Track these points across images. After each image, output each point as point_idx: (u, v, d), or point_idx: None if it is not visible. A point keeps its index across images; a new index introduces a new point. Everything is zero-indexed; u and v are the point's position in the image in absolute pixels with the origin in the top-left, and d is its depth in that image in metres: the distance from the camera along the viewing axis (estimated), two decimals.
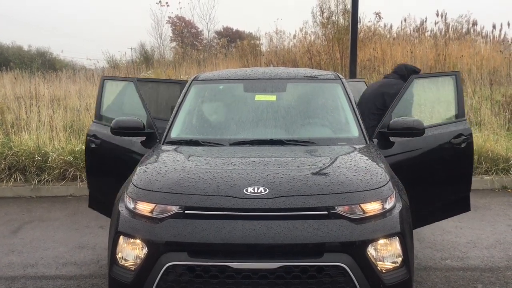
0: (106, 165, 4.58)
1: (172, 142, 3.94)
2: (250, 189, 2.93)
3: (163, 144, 3.94)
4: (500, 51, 13.09)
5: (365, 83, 6.32)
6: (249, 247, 2.79)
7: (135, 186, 3.16)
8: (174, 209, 2.91)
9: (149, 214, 2.97)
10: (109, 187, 4.38)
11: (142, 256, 2.91)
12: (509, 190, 7.13)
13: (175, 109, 4.25)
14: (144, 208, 3.00)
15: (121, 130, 4.12)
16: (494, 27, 15.17)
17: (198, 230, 2.82)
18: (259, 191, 2.92)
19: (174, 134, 4.04)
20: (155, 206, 2.97)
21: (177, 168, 3.26)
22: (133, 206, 3.06)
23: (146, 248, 2.89)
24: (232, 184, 2.98)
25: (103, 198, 4.68)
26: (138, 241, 2.95)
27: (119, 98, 5.05)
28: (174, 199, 2.95)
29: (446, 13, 15.15)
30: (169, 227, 2.87)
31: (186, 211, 2.89)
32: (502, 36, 15.10)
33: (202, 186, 2.98)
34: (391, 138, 4.12)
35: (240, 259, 2.80)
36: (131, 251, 3.00)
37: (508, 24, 14.53)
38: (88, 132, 4.73)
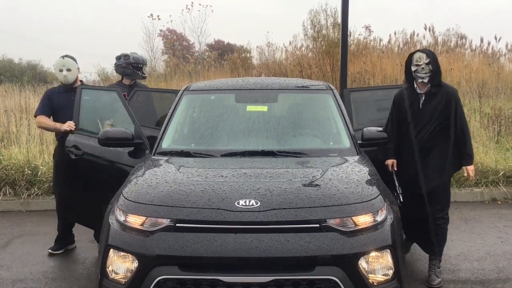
0: (90, 176, 4.57)
1: (163, 153, 3.92)
2: (241, 202, 2.92)
3: (154, 154, 3.92)
4: (489, 64, 13.24)
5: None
6: (241, 260, 2.78)
7: (126, 198, 3.13)
8: (165, 222, 2.90)
9: (140, 227, 2.94)
10: (91, 197, 4.37)
11: (133, 269, 2.89)
12: (499, 202, 7.17)
13: (166, 119, 4.24)
14: (135, 221, 2.98)
15: (109, 141, 4.10)
16: (482, 40, 15.36)
17: (189, 244, 2.80)
18: (250, 204, 2.91)
19: (165, 144, 4.02)
20: (146, 219, 2.95)
21: (168, 180, 3.24)
22: (124, 219, 3.03)
23: (137, 262, 2.87)
24: (223, 197, 2.97)
25: (84, 209, 4.70)
26: (128, 254, 2.92)
27: (99, 108, 5.05)
28: (165, 212, 2.92)
29: (433, 27, 15.31)
30: (160, 240, 2.84)
31: (177, 224, 2.87)
32: (490, 49, 15.28)
33: (194, 199, 2.97)
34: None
35: (232, 272, 2.78)
36: (122, 264, 2.97)
37: (496, 38, 14.72)
38: (67, 143, 4.70)
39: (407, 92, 4.40)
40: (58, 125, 4.95)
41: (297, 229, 2.84)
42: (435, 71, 4.20)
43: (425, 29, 15.28)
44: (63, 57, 5.12)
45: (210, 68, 16.52)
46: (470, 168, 4.34)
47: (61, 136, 4.93)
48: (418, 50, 4.30)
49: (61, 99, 5.10)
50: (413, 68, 4.25)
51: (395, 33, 16.14)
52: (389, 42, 16.26)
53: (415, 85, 4.33)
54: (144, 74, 5.87)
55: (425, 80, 4.20)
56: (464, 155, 4.31)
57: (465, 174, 4.38)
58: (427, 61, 4.16)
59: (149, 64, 19.09)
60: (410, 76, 4.34)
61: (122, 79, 5.94)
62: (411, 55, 4.31)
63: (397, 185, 4.39)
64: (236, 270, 2.79)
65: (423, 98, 4.28)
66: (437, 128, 4.24)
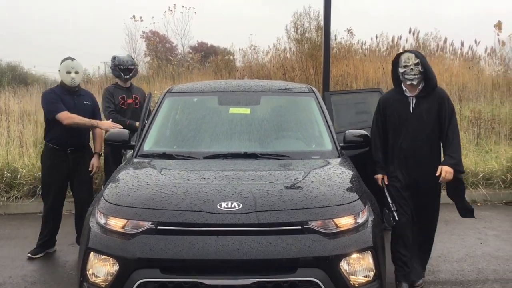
0: None
1: (145, 155, 3.89)
2: (223, 204, 2.91)
3: (135, 157, 3.89)
4: (469, 68, 13.42)
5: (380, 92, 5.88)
6: (223, 263, 2.77)
7: (107, 201, 3.11)
8: (147, 224, 2.88)
9: (121, 230, 2.93)
10: None
11: (114, 272, 2.86)
12: (479, 204, 7.27)
13: (148, 121, 4.22)
14: (116, 223, 2.96)
15: (110, 142, 4.16)
16: (462, 44, 15.58)
17: (171, 246, 2.78)
18: (232, 206, 2.90)
19: (147, 147, 4.00)
20: (127, 222, 2.93)
21: (150, 182, 3.23)
22: (104, 222, 3.01)
23: (118, 265, 2.85)
24: (205, 199, 2.96)
25: None
26: (109, 257, 2.90)
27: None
28: (147, 214, 2.91)
29: (419, 31, 15.48)
30: (141, 243, 2.83)
31: (158, 227, 2.86)
32: (471, 53, 15.49)
33: (175, 201, 2.96)
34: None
35: (213, 275, 2.78)
36: (102, 268, 2.94)
37: (476, 41, 14.94)
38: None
39: (394, 95, 4.16)
40: (94, 122, 4.97)
41: (279, 231, 2.84)
42: (425, 72, 3.94)
43: (410, 32, 15.44)
44: (72, 59, 4.97)
45: (193, 70, 16.47)
46: (447, 169, 3.84)
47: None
48: (406, 51, 4.05)
49: (66, 102, 4.92)
50: (401, 70, 3.98)
51: (376, 37, 16.27)
52: (371, 45, 16.39)
53: (404, 88, 4.07)
54: (127, 76, 5.82)
55: (414, 82, 3.94)
56: (452, 157, 3.88)
57: (437, 173, 3.88)
58: (416, 61, 3.91)
59: None
60: (397, 78, 4.09)
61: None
62: (398, 56, 4.06)
63: (390, 201, 4.01)
64: (218, 273, 2.79)
65: (414, 101, 4.02)
66: (431, 134, 3.99)
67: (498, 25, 14.24)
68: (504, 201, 7.39)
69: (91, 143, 5.34)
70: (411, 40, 15.36)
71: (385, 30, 28.73)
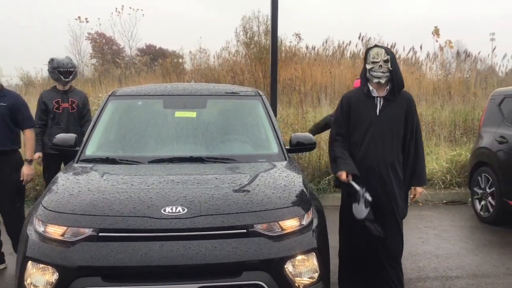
0: None
1: (87, 160, 3.78)
2: (168, 209, 2.87)
3: (77, 162, 3.78)
4: (411, 72, 13.89)
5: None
6: (167, 268, 2.73)
7: (45, 208, 3.00)
8: (87, 231, 2.80)
9: (60, 238, 2.83)
10: None
11: (53, 281, 2.77)
12: (420, 204, 7.53)
13: (91, 125, 4.11)
14: (55, 231, 2.86)
15: (56, 146, 4.02)
16: (404, 49, 16.16)
17: (113, 253, 2.72)
18: (177, 210, 2.87)
19: (89, 151, 3.89)
20: (66, 229, 2.84)
21: (91, 188, 3.14)
22: (43, 229, 2.91)
23: (57, 274, 2.76)
24: (149, 204, 2.91)
25: None
26: (48, 266, 2.79)
27: None
28: (87, 221, 2.83)
29: (369, 38, 15.91)
30: (82, 251, 2.74)
31: (100, 234, 2.78)
32: (414, 58, 16.05)
33: (118, 207, 2.89)
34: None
35: (157, 281, 2.73)
36: (41, 277, 2.83)
37: (421, 47, 15.51)
38: None
39: (359, 94, 3.80)
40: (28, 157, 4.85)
41: (225, 235, 2.83)
42: (395, 72, 3.62)
43: (359, 38, 15.85)
44: None
45: (140, 73, 16.20)
46: (420, 190, 3.78)
47: None
48: (376, 45, 3.70)
49: None
50: (368, 66, 3.63)
51: (326, 42, 16.58)
52: (318, 50, 16.69)
53: (371, 88, 3.72)
54: (67, 79, 5.64)
55: (382, 81, 3.60)
56: (418, 173, 3.74)
57: (411, 196, 3.79)
58: (386, 58, 3.58)
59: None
60: (365, 76, 3.74)
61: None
62: (367, 51, 3.69)
63: (358, 188, 3.59)
64: (162, 279, 2.74)
65: (381, 103, 3.70)
66: (395, 140, 3.70)
67: (436, 31, 14.85)
68: (444, 201, 7.69)
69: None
70: (360, 45, 15.76)
71: (331, 35, 29.39)
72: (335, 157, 3.80)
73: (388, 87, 3.69)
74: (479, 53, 15.74)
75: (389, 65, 3.59)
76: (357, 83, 5.44)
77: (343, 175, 3.68)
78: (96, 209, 2.89)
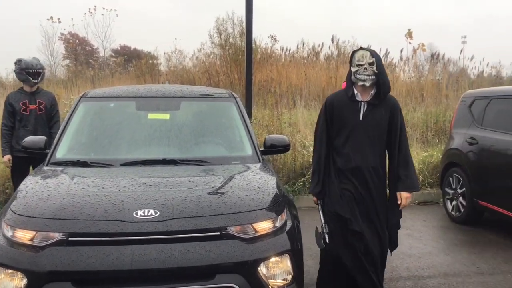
0: None
1: (58, 163, 3.71)
2: (140, 212, 2.84)
3: (47, 165, 3.70)
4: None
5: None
6: (139, 273, 2.70)
7: (14, 212, 2.94)
8: (57, 236, 2.75)
9: (29, 242, 2.78)
10: None
11: (22, 287, 2.71)
12: None
13: (61, 127, 4.03)
14: (24, 236, 2.80)
15: (26, 149, 3.95)
16: (380, 52, 16.38)
17: (84, 258, 2.68)
18: (149, 214, 2.84)
19: (60, 154, 3.81)
20: (36, 234, 2.78)
21: (61, 192, 3.08)
22: (12, 234, 2.84)
23: (26, 279, 2.70)
24: (120, 208, 2.87)
25: None
26: (17, 271, 2.73)
27: None
28: (57, 225, 2.78)
29: (338, 38, 16.05)
30: (51, 256, 2.70)
31: (70, 238, 2.74)
32: (388, 60, 16.27)
33: (88, 211, 2.84)
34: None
35: (129, 286, 2.72)
36: (10, 283, 2.78)
37: (401, 51, 15.77)
38: None
39: (343, 98, 3.70)
40: None
41: (198, 238, 2.82)
42: (381, 75, 3.55)
43: (332, 41, 15.96)
44: None
45: (114, 74, 16.02)
46: (406, 196, 3.66)
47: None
48: (361, 48, 3.61)
49: None
50: (353, 69, 3.56)
51: (303, 44, 16.66)
52: (293, 52, 16.77)
53: (355, 91, 3.63)
54: (36, 80, 5.53)
55: (367, 84, 3.53)
56: (404, 179, 3.64)
57: (398, 202, 3.68)
58: (371, 61, 3.51)
59: (49, 69, 18.15)
60: (350, 79, 3.66)
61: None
62: (352, 54, 3.62)
63: (322, 221, 3.65)
64: (134, 283, 2.72)
65: (365, 108, 3.61)
66: (380, 146, 3.65)
67: (409, 34, 15.10)
68: (416, 201, 7.79)
69: None
70: (333, 47, 15.88)
71: (306, 37, 29.57)
72: (312, 171, 3.80)
73: (373, 91, 3.61)
74: (446, 57, 16.04)
75: (375, 68, 3.52)
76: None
77: (314, 198, 3.81)
78: (66, 213, 2.84)
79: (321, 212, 3.71)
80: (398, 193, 3.67)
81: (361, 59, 3.53)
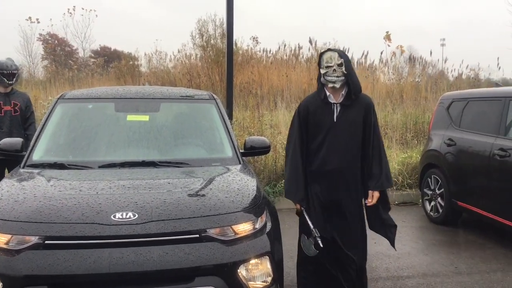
0: None
1: (34, 165, 3.65)
2: (118, 215, 2.81)
3: (23, 167, 3.64)
4: (365, 77, 14.20)
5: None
6: (117, 276, 2.67)
7: None
8: (33, 239, 2.70)
9: (5, 246, 2.73)
10: None
11: None
12: None
13: (38, 129, 3.97)
14: None
15: (1, 151, 3.88)
16: (363, 54, 16.55)
17: (60, 261, 2.63)
18: (127, 216, 2.81)
19: (37, 156, 3.75)
20: (11, 237, 2.73)
21: (38, 194, 3.03)
22: None
23: (1, 283, 2.65)
24: (98, 211, 2.83)
25: None
26: None
27: None
28: (33, 228, 2.73)
29: (316, 40, 16.14)
30: (27, 260, 2.65)
31: (46, 242, 2.69)
32: (368, 62, 16.43)
33: (65, 214, 2.80)
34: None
35: None
36: None
37: (381, 53, 15.96)
38: None
39: (316, 101, 3.70)
40: None
41: (177, 240, 2.80)
42: (349, 75, 3.55)
43: (310, 43, 16.04)
44: None
45: (94, 76, 15.86)
46: (377, 195, 3.68)
47: None
48: (329, 49, 3.61)
49: None
50: (322, 71, 3.56)
51: (284, 46, 16.72)
52: (275, 53, 16.82)
53: (327, 93, 3.63)
54: (11, 81, 5.45)
55: (337, 85, 3.52)
56: (376, 177, 3.63)
57: (369, 199, 3.69)
58: (340, 62, 3.50)
59: (27, 70, 17.89)
60: (320, 81, 3.65)
61: None
62: (320, 56, 3.61)
63: (311, 226, 3.56)
64: (112, 287, 2.68)
65: (338, 109, 3.61)
66: (355, 147, 3.64)
67: (387, 37, 15.28)
68: (396, 202, 7.87)
69: None
70: (312, 49, 15.96)
71: (288, 39, 29.72)
72: (289, 177, 3.73)
73: (343, 92, 3.62)
74: (425, 60, 16.26)
75: (343, 69, 3.53)
76: None
77: (297, 206, 3.73)
78: (42, 216, 2.79)
79: (307, 218, 3.62)
80: (370, 192, 3.68)
81: (329, 60, 3.53)
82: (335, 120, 3.61)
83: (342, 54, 3.57)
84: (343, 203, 3.64)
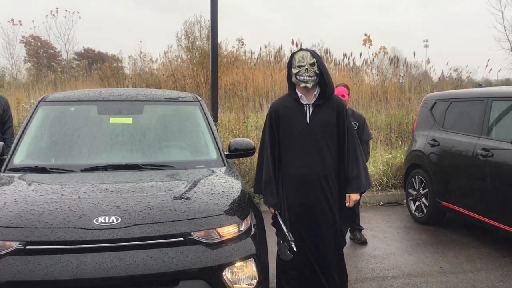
0: None
1: (15, 169, 3.60)
2: (100, 219, 2.77)
3: (4, 171, 3.58)
4: (350, 78, 14.26)
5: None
6: (101, 281, 2.63)
7: None
8: (14, 245, 2.65)
9: None
10: None
11: None
12: (359, 206, 7.72)
13: (19, 133, 3.91)
14: None
15: None
16: (345, 55, 16.59)
17: (42, 267, 2.59)
18: (110, 220, 2.77)
19: (18, 160, 3.70)
20: None
21: (18, 199, 2.97)
22: None
23: None
24: (80, 215, 2.79)
25: None
26: None
27: None
28: (14, 234, 2.68)
29: (302, 42, 16.16)
30: (8, 266, 2.60)
31: (27, 247, 2.64)
32: (352, 63, 16.50)
33: (47, 218, 2.75)
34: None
35: None
36: None
37: (361, 54, 16.00)
38: None
39: (287, 102, 3.64)
40: None
41: (161, 244, 2.77)
42: (322, 75, 3.49)
43: (292, 43, 16.05)
44: None
45: (78, 78, 15.71)
46: (355, 198, 3.58)
47: None
48: (301, 49, 3.54)
49: None
50: (294, 71, 3.49)
51: (266, 47, 16.74)
52: (259, 55, 16.82)
53: (299, 94, 3.57)
54: None
55: (309, 85, 3.46)
56: (354, 180, 3.55)
57: (346, 203, 3.60)
58: (312, 61, 3.45)
59: (9, 73, 17.66)
60: (292, 82, 3.58)
61: None
62: (292, 56, 3.55)
63: (285, 230, 3.49)
64: None
65: (311, 110, 3.55)
66: (330, 148, 3.55)
67: (368, 39, 15.37)
68: (381, 202, 7.92)
69: None
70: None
71: (272, 41, 29.73)
72: (264, 182, 3.64)
73: (316, 92, 3.56)
74: (408, 61, 16.39)
75: (315, 68, 3.47)
76: (337, 90, 5.46)
77: (271, 210, 3.67)
78: (23, 221, 2.74)
79: (281, 222, 3.56)
80: (347, 195, 3.58)
81: (301, 60, 3.47)
82: (308, 122, 3.55)
83: (314, 53, 3.52)
84: (316, 206, 3.55)
